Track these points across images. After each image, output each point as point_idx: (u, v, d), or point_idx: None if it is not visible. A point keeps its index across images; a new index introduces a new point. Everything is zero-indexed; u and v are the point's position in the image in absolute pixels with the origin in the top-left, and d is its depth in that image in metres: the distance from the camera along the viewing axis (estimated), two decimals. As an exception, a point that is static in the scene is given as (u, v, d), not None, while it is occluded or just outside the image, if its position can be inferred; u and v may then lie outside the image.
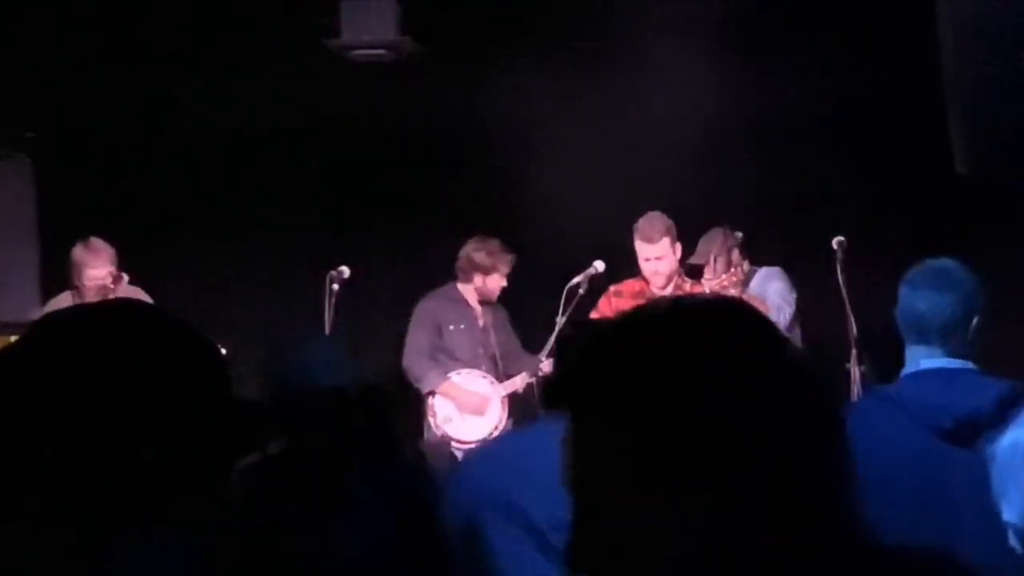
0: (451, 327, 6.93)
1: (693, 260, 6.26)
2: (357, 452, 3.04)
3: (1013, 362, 3.45)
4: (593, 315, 6.35)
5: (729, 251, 6.28)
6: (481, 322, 6.97)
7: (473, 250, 6.91)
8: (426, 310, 6.98)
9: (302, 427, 3.07)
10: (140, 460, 1.21)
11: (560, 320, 6.39)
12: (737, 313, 1.23)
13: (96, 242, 6.39)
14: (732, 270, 6.07)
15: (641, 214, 6.27)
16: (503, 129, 7.56)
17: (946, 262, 3.12)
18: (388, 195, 8.06)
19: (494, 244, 6.91)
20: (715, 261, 6.13)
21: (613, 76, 7.49)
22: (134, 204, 7.92)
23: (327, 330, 6.51)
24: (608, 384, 1.17)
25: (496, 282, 6.92)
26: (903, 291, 3.10)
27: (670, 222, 6.19)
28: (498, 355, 6.94)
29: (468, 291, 6.97)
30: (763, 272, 6.43)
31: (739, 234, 6.35)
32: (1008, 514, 2.88)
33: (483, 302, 6.98)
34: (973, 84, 4.66)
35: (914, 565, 1.23)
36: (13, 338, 1.34)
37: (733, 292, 5.84)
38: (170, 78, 7.56)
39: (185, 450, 1.23)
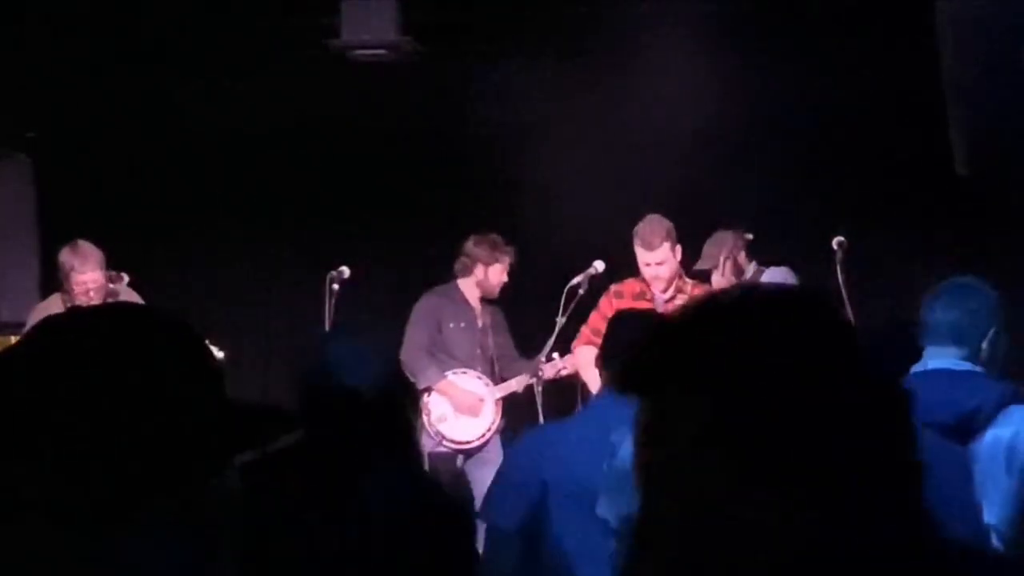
0: (451, 324, 6.91)
1: (699, 266, 6.22)
2: (362, 453, 3.04)
3: (1013, 362, 3.46)
4: (593, 315, 6.35)
5: (737, 255, 6.27)
6: (480, 322, 6.95)
7: (474, 244, 6.91)
8: (427, 306, 6.95)
9: (312, 425, 3.07)
10: (139, 460, 1.21)
11: (560, 320, 6.38)
12: (812, 303, 1.20)
13: (83, 245, 6.21)
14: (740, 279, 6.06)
15: (641, 214, 6.24)
16: (503, 129, 7.56)
17: (969, 278, 3.43)
18: (388, 195, 8.07)
19: (495, 237, 6.91)
20: (724, 263, 6.12)
21: (613, 76, 7.49)
22: (134, 204, 7.93)
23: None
24: (678, 371, 1.15)
25: (498, 274, 6.89)
26: (925, 300, 3.38)
27: (669, 224, 6.14)
28: (495, 357, 6.93)
29: (469, 288, 6.95)
30: (770, 272, 6.42)
31: (750, 236, 6.33)
32: (989, 515, 2.92)
33: (484, 301, 6.96)
34: (973, 84, 4.67)
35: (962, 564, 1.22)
36: (13, 338, 1.35)
37: None
38: (170, 78, 7.56)
39: (184, 450, 1.24)
